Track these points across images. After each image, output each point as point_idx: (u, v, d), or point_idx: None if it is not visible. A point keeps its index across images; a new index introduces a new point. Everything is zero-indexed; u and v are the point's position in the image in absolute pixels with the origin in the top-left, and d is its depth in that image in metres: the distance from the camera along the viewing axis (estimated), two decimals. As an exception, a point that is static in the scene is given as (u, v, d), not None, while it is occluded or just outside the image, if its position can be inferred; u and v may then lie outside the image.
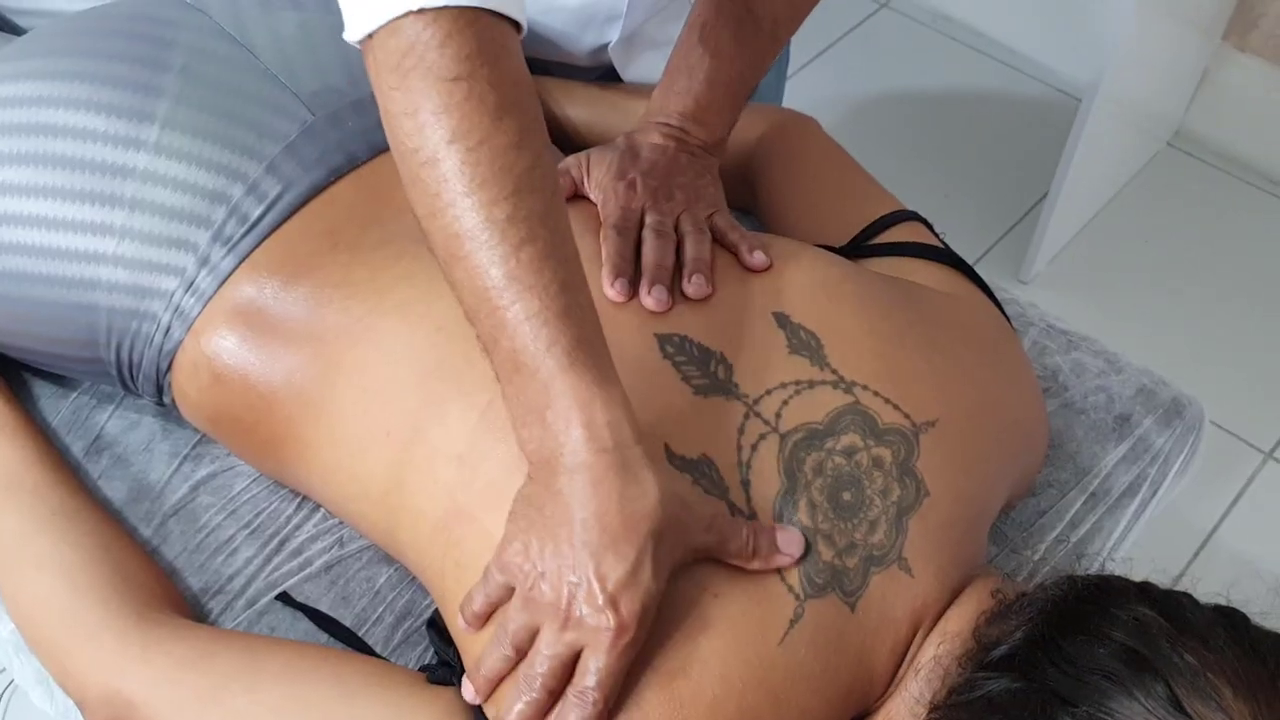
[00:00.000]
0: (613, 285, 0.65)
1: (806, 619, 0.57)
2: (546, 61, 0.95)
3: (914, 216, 0.79)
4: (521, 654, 0.56)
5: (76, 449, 0.79)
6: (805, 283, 0.66)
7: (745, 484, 0.59)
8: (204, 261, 0.71)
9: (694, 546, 0.56)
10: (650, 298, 0.64)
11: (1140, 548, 0.77)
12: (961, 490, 0.63)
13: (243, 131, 0.72)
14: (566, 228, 0.55)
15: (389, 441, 0.65)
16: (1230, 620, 0.53)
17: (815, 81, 1.76)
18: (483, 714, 0.59)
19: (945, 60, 1.81)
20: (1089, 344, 0.86)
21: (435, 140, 0.51)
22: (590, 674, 0.54)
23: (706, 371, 0.62)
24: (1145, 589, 0.55)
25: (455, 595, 0.62)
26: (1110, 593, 0.55)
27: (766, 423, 0.61)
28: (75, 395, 0.82)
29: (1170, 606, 0.53)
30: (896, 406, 0.62)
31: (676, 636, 0.55)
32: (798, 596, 0.57)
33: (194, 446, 0.79)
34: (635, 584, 0.53)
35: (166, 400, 0.76)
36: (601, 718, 0.54)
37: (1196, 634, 0.51)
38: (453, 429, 0.62)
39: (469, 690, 0.58)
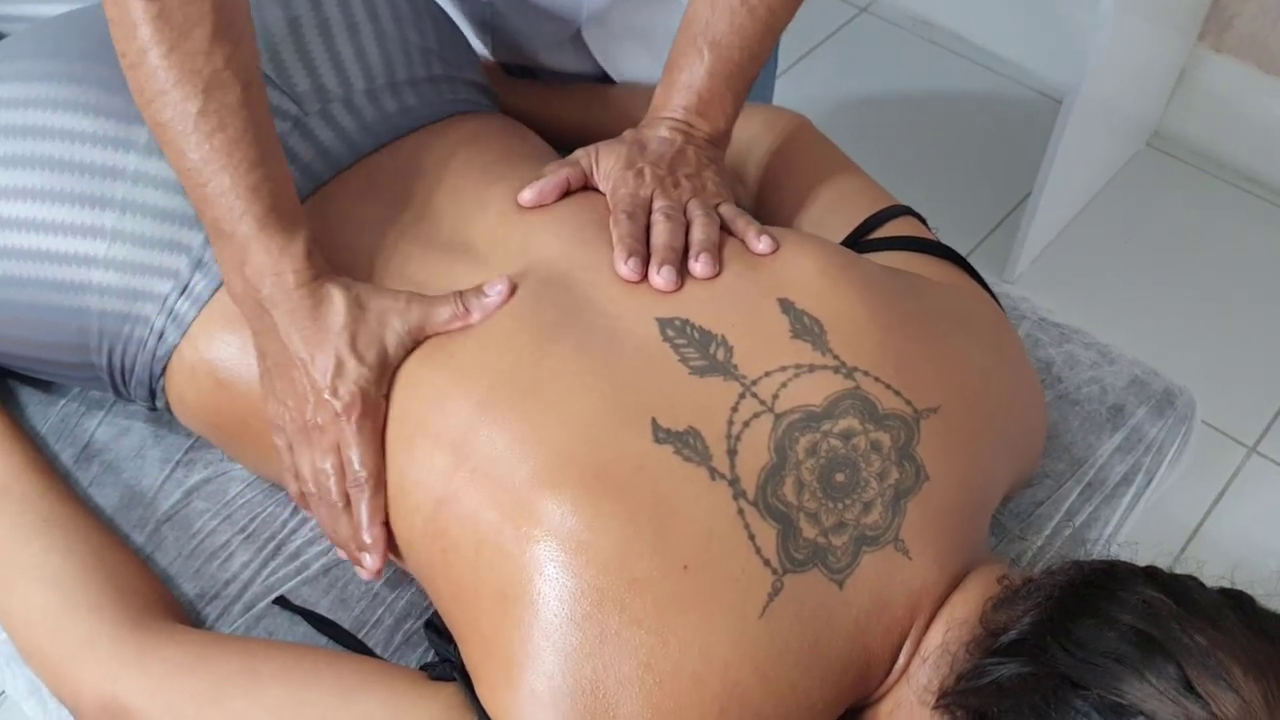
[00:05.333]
0: (626, 263, 0.65)
1: (787, 593, 0.57)
2: (539, 70, 0.95)
3: (908, 211, 0.80)
4: (316, 485, 0.65)
5: (66, 457, 0.78)
6: (809, 270, 0.66)
7: (731, 453, 0.59)
8: (198, 264, 0.70)
9: (403, 329, 0.64)
10: (660, 277, 0.65)
11: (1131, 541, 0.78)
12: (962, 476, 0.63)
13: None
14: (262, 115, 0.64)
15: (394, 436, 0.65)
16: (1237, 601, 0.53)
17: (796, 87, 1.77)
18: (484, 710, 0.58)
19: (926, 64, 1.82)
20: (1081, 336, 0.87)
21: (135, 48, 0.62)
22: (352, 463, 0.63)
23: (706, 354, 0.63)
24: (1152, 573, 0.56)
25: (445, 588, 0.62)
26: (1117, 577, 0.55)
27: (762, 403, 0.61)
28: (64, 402, 0.81)
29: (1178, 589, 0.54)
30: (898, 393, 0.62)
31: (651, 611, 0.55)
32: (774, 570, 0.57)
33: (186, 452, 0.79)
34: (343, 370, 0.63)
35: (159, 405, 0.75)
36: (379, 494, 0.63)
37: (1205, 615, 0.52)
38: (450, 417, 0.62)
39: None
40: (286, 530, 0.75)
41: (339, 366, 0.63)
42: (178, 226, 0.70)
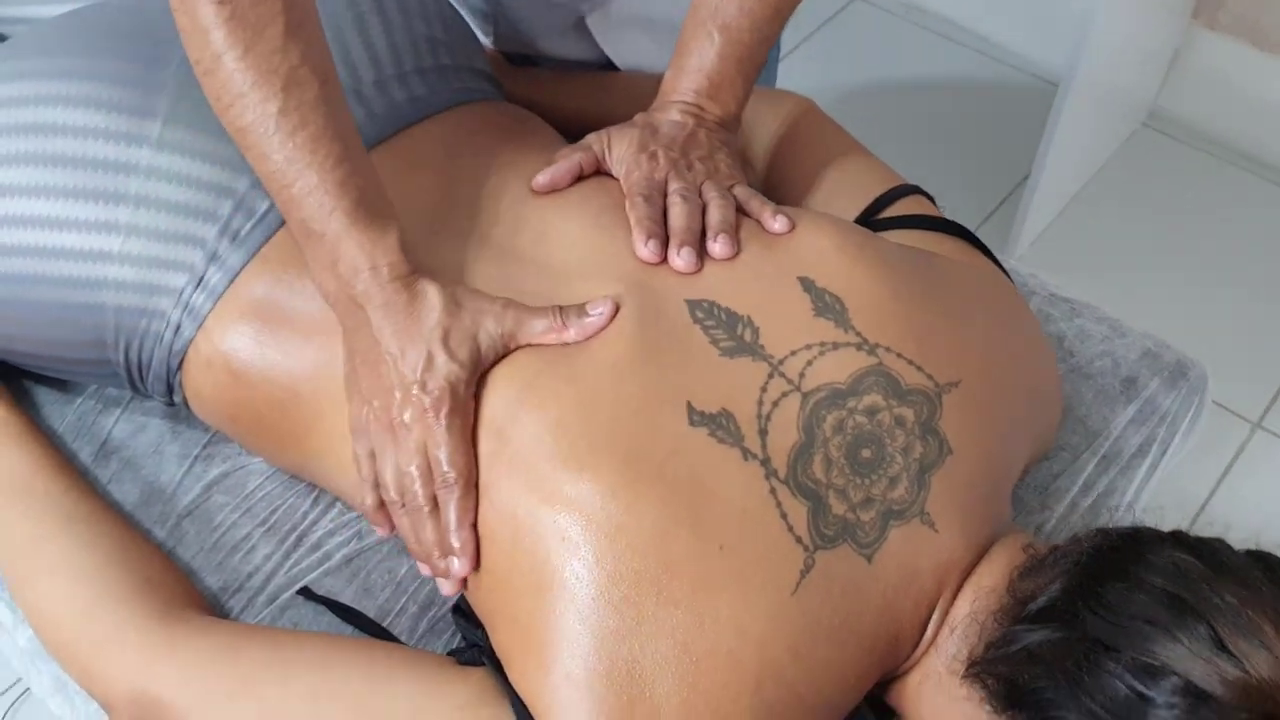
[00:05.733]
0: (645, 245, 0.65)
1: (818, 569, 0.57)
2: (541, 59, 0.95)
3: (916, 190, 0.80)
4: (400, 491, 0.63)
5: (84, 454, 0.78)
6: (827, 248, 0.66)
7: (762, 434, 0.60)
8: (213, 257, 0.70)
9: (497, 333, 0.63)
10: (680, 259, 0.65)
11: (1156, 506, 0.78)
12: (985, 448, 0.63)
13: None
14: (340, 110, 0.63)
15: None
16: (1265, 562, 0.54)
17: (791, 75, 1.76)
18: (516, 696, 0.58)
19: (921, 50, 1.82)
20: (1091, 310, 0.87)
21: (209, 54, 0.60)
22: (441, 462, 0.61)
23: (734, 334, 0.63)
24: (1178, 536, 0.56)
25: (480, 576, 0.62)
26: (1144, 541, 0.56)
27: (790, 382, 0.61)
28: (80, 400, 0.81)
29: (1206, 551, 0.54)
30: (920, 368, 0.63)
31: (688, 592, 0.56)
32: (806, 547, 0.58)
33: (204, 447, 0.79)
34: (433, 365, 0.61)
35: (177, 399, 0.75)
36: (470, 494, 0.61)
37: (1234, 575, 0.52)
38: (495, 403, 0.62)
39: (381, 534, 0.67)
40: (307, 521, 0.75)
41: (429, 361, 0.61)
42: (192, 220, 0.70)
